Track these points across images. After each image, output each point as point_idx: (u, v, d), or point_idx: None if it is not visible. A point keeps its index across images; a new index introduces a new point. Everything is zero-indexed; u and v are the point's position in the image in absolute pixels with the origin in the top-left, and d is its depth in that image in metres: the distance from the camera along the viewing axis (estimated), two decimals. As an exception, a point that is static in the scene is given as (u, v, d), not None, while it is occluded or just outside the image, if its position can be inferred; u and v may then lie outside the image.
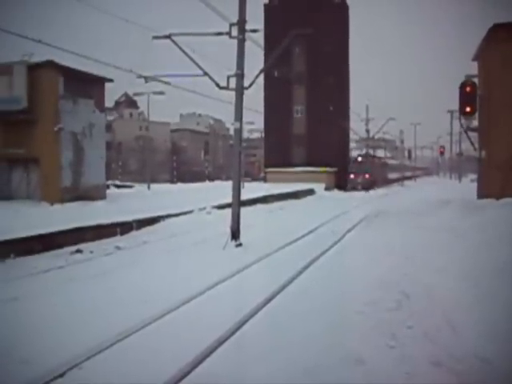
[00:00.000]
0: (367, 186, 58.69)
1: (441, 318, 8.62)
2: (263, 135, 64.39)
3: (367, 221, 24.23)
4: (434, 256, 13.76)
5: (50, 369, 6.74)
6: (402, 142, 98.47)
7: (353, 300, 10.11)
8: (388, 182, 75.60)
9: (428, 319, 8.61)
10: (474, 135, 30.10)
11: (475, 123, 27.71)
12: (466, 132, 30.07)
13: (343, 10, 66.73)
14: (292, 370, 6.74)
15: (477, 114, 24.89)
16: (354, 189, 57.77)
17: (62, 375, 6.67)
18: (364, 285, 11.31)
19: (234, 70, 17.58)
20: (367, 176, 60.92)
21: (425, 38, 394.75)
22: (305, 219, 25.23)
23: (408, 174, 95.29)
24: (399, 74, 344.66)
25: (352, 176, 61.25)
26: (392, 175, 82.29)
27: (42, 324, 8.79)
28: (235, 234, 16.98)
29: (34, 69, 23.16)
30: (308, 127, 62.84)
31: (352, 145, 74.53)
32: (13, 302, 10.26)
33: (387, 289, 10.73)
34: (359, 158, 64.66)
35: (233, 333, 8.20)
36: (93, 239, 17.79)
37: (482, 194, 26.58)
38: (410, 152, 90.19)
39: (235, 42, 17.40)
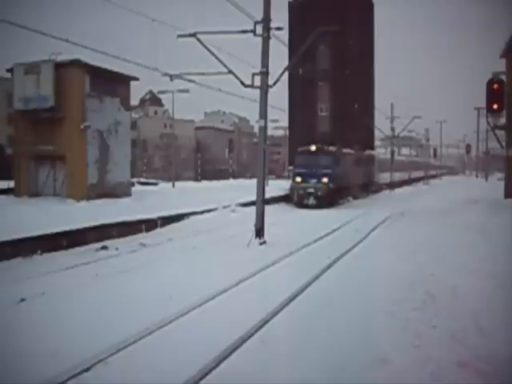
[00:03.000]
0: (325, 197, 32.19)
1: (467, 318, 8.53)
2: (287, 133, 64.24)
3: (392, 219, 24.06)
4: (461, 256, 13.61)
5: (77, 363, 6.87)
6: (428, 140, 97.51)
7: (378, 299, 10.05)
8: (385, 186, 51.66)
9: (454, 320, 8.52)
10: (501, 133, 29.69)
11: (503, 121, 27.33)
12: (493, 130, 29.68)
13: (368, 7, 66.27)
14: (317, 368, 6.73)
15: (504, 112, 24.53)
16: (301, 203, 32.11)
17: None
18: (389, 284, 11.24)
19: (258, 68, 17.58)
20: (325, 179, 32.36)
21: (451, 34, 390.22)
22: (329, 217, 25.10)
23: (432, 172, 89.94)
24: (425, 72, 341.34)
25: (298, 179, 32.92)
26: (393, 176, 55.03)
27: (69, 318, 8.93)
28: (259, 232, 17.01)
29: (60, 67, 23.34)
30: (332, 125, 62.45)
31: (377, 143, 73.92)
32: (40, 296, 10.43)
33: (413, 288, 10.65)
34: (313, 148, 33.61)
35: (260, 327, 8.25)
36: (118, 236, 17.96)
37: (509, 192, 26.21)
38: (435, 150, 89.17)
39: (260, 39, 17.40)
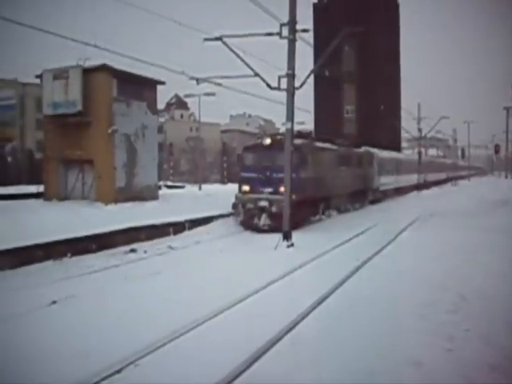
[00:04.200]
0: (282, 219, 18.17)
1: (500, 322, 8.41)
2: (313, 134, 64.19)
3: (421, 221, 23.81)
4: (492, 258, 13.43)
5: (108, 365, 6.93)
6: (456, 140, 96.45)
7: (408, 301, 9.96)
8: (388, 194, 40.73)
9: (487, 323, 8.41)
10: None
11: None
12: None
13: (393, 7, 65.89)
14: (347, 371, 6.69)
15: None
16: (249, 224, 21.72)
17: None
18: (419, 286, 11.14)
19: (284, 70, 17.57)
20: (281, 189, 19.46)
21: (479, 33, 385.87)
22: (354, 220, 24.94)
23: (459, 174, 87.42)
24: (452, 71, 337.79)
25: (245, 188, 22.29)
26: (399, 180, 44.60)
27: (100, 321, 9.02)
28: (287, 235, 16.99)
29: (88, 72, 23.67)
30: (358, 127, 62.22)
31: (404, 144, 73.31)
32: (71, 299, 10.56)
33: (444, 290, 10.54)
34: (267, 141, 22.39)
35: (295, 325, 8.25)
36: (146, 239, 18.08)
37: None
38: (463, 151, 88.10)
39: (285, 41, 17.38)
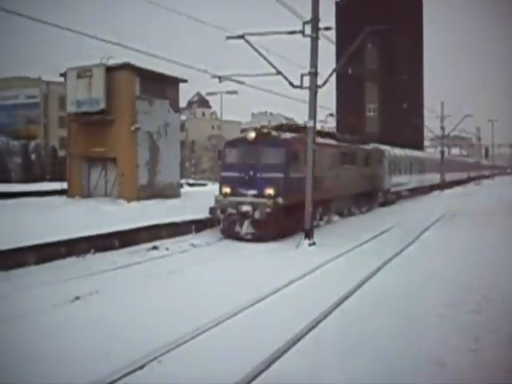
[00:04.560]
0: (271, 223, 18.11)
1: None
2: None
3: (445, 220, 23.60)
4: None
5: (131, 361, 6.97)
6: (479, 139, 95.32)
7: (432, 301, 9.89)
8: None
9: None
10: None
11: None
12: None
13: (417, 5, 65.34)
14: (371, 371, 6.65)
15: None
16: (230, 232, 18.73)
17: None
18: (443, 286, 11.05)
19: (306, 69, 17.52)
20: (269, 190, 18.37)
21: (502, 31, 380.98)
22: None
23: (483, 173, 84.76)
24: (477, 70, 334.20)
25: (225, 189, 19.29)
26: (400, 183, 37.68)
27: (123, 317, 9.10)
28: (309, 233, 16.96)
29: (111, 71, 23.82)
30: (381, 126, 61.87)
31: (426, 143, 72.67)
32: (94, 295, 10.65)
33: (468, 291, 10.44)
34: (251, 135, 19.32)
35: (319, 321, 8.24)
36: (168, 236, 18.14)
37: None
38: (487, 150, 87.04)
39: (308, 40, 17.33)
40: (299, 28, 17.25)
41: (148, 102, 24.87)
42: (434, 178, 50.31)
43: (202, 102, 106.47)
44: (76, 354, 7.40)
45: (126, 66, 23.88)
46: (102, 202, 22.09)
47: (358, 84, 59.83)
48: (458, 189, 55.52)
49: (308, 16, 17.24)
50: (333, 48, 32.29)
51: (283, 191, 18.08)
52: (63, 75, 25.71)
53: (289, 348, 7.46)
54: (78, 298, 10.38)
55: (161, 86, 25.81)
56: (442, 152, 55.20)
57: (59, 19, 15.74)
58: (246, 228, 18.05)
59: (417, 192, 43.16)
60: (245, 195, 18.46)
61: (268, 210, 17.58)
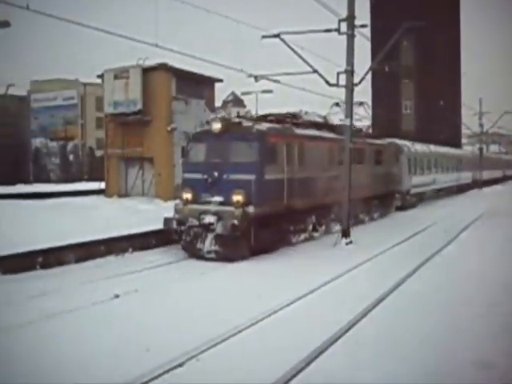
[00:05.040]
0: (240, 238, 14.26)
1: None
2: (371, 131, 63.43)
3: (484, 219, 23.20)
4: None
5: (170, 359, 7.04)
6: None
7: (472, 302, 9.73)
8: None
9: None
10: None
11: None
12: None
13: (454, 0, 64.37)
14: (417, 373, 6.56)
15: None
16: (192, 248, 14.95)
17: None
18: (482, 286, 10.87)
19: (342, 66, 17.43)
20: (238, 196, 14.41)
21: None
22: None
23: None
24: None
25: (187, 195, 15.41)
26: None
27: (162, 315, 9.20)
28: (346, 232, 16.87)
29: (148, 72, 24.12)
30: (417, 123, 61.17)
31: (464, 140, 71.53)
32: (133, 293, 10.79)
33: (508, 291, 10.26)
34: (216, 126, 15.39)
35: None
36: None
37: None
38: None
39: (343, 37, 17.21)
40: (335, 26, 17.16)
41: (184, 102, 25.08)
42: (465, 176, 45.67)
43: (237, 102, 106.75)
44: (117, 350, 7.49)
45: (163, 67, 24.13)
46: (139, 202, 22.32)
47: (394, 81, 59.23)
48: (497, 188, 53.94)
49: (343, 13, 17.14)
50: (368, 45, 31.94)
51: (256, 198, 14.38)
52: (100, 77, 26.10)
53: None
54: (117, 296, 10.51)
55: (197, 85, 26.00)
56: (481, 149, 53.98)
57: (96, 20, 15.94)
58: (208, 244, 14.36)
59: (446, 192, 39.49)
60: (208, 203, 14.73)
61: (235, 221, 13.82)
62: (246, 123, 15.88)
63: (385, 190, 25.45)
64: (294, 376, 6.47)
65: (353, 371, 6.61)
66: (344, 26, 17.08)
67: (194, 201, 15.17)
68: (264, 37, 18.34)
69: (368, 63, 29.67)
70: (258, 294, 10.26)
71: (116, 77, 24.63)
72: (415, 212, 28.52)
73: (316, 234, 18.38)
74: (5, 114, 61.93)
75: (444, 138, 53.36)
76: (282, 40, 17.89)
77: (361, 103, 22.86)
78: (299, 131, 17.66)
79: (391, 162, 26.97)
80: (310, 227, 18.10)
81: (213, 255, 14.43)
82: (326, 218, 19.23)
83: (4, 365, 6.96)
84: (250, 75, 19.49)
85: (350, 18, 16.98)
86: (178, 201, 15.89)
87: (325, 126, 20.97)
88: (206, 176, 15.02)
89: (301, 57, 17.79)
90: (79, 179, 51.97)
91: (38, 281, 11.87)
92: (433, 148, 37.23)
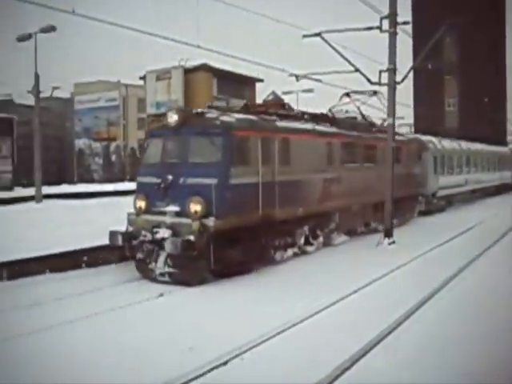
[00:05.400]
0: (197, 258, 11.26)
1: None
2: (413, 130, 62.61)
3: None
4: None
5: (214, 358, 7.06)
6: None
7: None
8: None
9: None
10: None
11: None
12: None
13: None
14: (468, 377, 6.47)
15: None
16: (144, 268, 12.05)
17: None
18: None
19: (384, 64, 17.25)
20: (197, 206, 11.46)
21: None
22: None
23: None
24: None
25: (140, 203, 12.49)
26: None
27: (207, 313, 9.30)
28: (389, 232, 16.70)
29: (189, 72, 24.38)
30: (460, 120, 60.10)
31: (510, 138, 69.95)
32: (179, 291, 10.98)
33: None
34: (173, 118, 12.50)
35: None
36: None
37: None
38: None
39: (385, 35, 17.02)
40: (376, 23, 16.99)
41: (225, 101, 25.19)
42: (505, 176, 41.99)
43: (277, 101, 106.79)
44: (161, 347, 7.58)
45: (204, 67, 24.35)
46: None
47: (436, 78, 58.30)
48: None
49: (385, 10, 16.95)
50: (410, 42, 31.54)
51: (218, 207, 11.46)
52: (143, 78, 26.45)
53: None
54: (161, 294, 10.63)
55: (237, 85, 26.13)
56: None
57: (138, 22, 16.14)
58: (160, 265, 11.69)
59: (482, 194, 35.90)
60: (164, 213, 11.92)
61: (190, 237, 11.11)
62: (210, 114, 12.70)
63: (403, 192, 21.28)
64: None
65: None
66: (386, 24, 16.90)
67: (147, 210, 12.34)
68: (305, 36, 18.28)
69: (410, 60, 29.35)
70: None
71: (158, 78, 24.95)
72: (442, 217, 25.34)
73: (310, 249, 15.36)
74: (50, 115, 63.33)
75: (488, 135, 52.36)
76: (323, 39, 17.78)
77: (374, 92, 20.38)
78: (284, 124, 14.33)
79: (412, 161, 23.42)
80: (302, 240, 15.01)
81: (166, 278, 11.69)
82: (324, 229, 16.19)
83: None
84: (291, 74, 19.48)
85: (392, 16, 16.77)
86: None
87: (326, 119, 17.64)
88: (159, 180, 12.13)
89: (342, 55, 17.65)
90: (121, 179, 52.71)
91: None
92: (464, 145, 33.34)
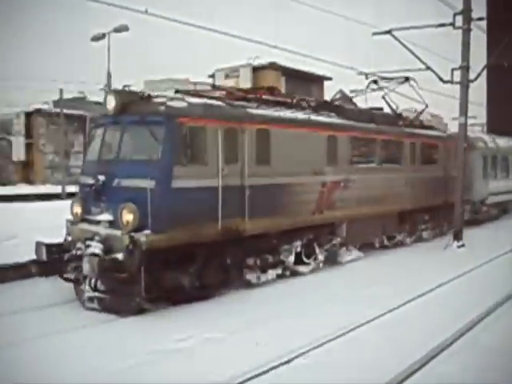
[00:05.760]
0: (128, 281, 8.89)
1: None
2: (485, 130, 60.62)
3: None
4: None
5: (278, 355, 7.06)
6: None
7: None
8: None
9: None
10: None
11: None
12: None
13: None
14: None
15: None
16: (78, 289, 9.78)
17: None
18: None
19: (456, 62, 16.84)
20: (129, 215, 9.11)
21: None
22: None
23: None
24: None
25: (77, 209, 10.38)
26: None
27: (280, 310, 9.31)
28: (458, 235, 16.31)
29: (258, 70, 24.52)
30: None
31: None
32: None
33: None
34: (110, 104, 9.94)
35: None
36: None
37: None
38: None
39: (458, 32, 16.60)
40: (449, 20, 16.58)
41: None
42: None
43: (345, 99, 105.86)
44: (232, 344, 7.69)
45: (272, 66, 24.43)
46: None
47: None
48: None
49: (458, 6, 16.52)
50: (484, 38, 30.57)
51: (156, 218, 9.04)
52: (212, 76, 26.77)
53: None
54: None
55: (306, 83, 26.07)
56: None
57: (206, 21, 16.32)
58: (88, 288, 9.46)
59: None
60: (97, 222, 9.79)
61: (118, 255, 8.96)
62: (158, 98, 9.95)
63: (441, 199, 18.59)
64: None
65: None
66: (459, 20, 16.47)
67: (82, 218, 10.27)
68: (375, 34, 18.05)
69: (483, 57, 28.44)
70: None
71: (227, 76, 25.21)
72: (493, 228, 21.67)
73: (304, 269, 12.59)
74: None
75: None
76: (394, 36, 17.50)
77: (406, 78, 17.84)
78: (260, 112, 11.44)
79: (451, 162, 19.27)
80: (290, 259, 12.15)
81: (94, 304, 9.47)
82: (324, 244, 13.33)
83: None
84: (361, 73, 19.27)
85: (467, 12, 16.34)
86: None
87: (330, 108, 14.56)
88: (93, 181, 9.94)
89: (413, 53, 17.32)
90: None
91: None
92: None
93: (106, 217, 9.54)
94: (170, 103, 9.67)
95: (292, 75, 25.22)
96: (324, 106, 14.28)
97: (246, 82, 24.38)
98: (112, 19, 23.60)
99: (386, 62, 24.51)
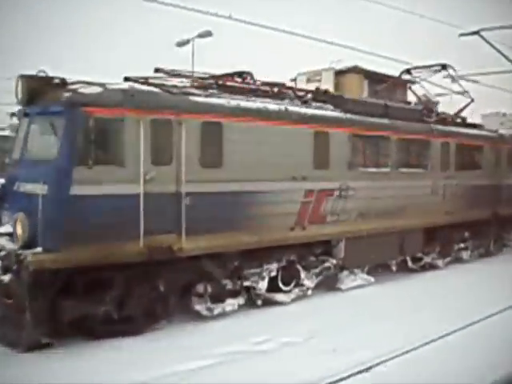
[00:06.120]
0: (15, 317, 7.47)
1: None
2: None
3: None
4: None
5: (357, 362, 7.02)
6: None
7: None
8: None
9: None
10: None
11: None
12: None
13: None
14: None
15: None
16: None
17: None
18: None
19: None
20: (18, 229, 7.76)
21: None
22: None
23: None
24: None
25: None
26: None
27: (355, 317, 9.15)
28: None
29: (340, 74, 24.35)
30: None
31: None
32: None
33: None
34: (18, 89, 8.22)
35: None
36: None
37: None
38: None
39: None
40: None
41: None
42: None
43: (429, 103, 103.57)
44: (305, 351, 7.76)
45: (355, 69, 24.21)
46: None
47: None
48: None
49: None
50: None
51: (48, 232, 7.43)
52: (293, 80, 26.80)
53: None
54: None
55: (389, 87, 25.64)
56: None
57: (288, 24, 16.34)
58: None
59: None
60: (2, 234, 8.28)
61: (4, 278, 7.61)
62: (76, 85, 8.15)
63: (488, 212, 16.01)
64: None
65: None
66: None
67: None
68: (462, 35, 17.59)
69: None
70: None
71: (309, 80, 25.16)
72: None
73: (283, 298, 10.57)
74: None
75: None
76: (482, 37, 16.96)
77: (443, 66, 15.79)
78: (208, 100, 9.28)
79: (503, 167, 17.23)
80: (262, 285, 10.09)
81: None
82: (312, 268, 11.15)
83: None
84: (447, 76, 18.81)
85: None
86: None
87: (323, 98, 12.02)
88: (6, 183, 8.68)
89: (503, 54, 16.72)
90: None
91: None
92: None
93: (7, 228, 8.07)
94: (82, 90, 7.93)
95: (375, 79, 24.87)
96: (317, 97, 11.91)
97: (328, 86, 24.27)
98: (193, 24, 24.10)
99: (473, 64, 23.80)
